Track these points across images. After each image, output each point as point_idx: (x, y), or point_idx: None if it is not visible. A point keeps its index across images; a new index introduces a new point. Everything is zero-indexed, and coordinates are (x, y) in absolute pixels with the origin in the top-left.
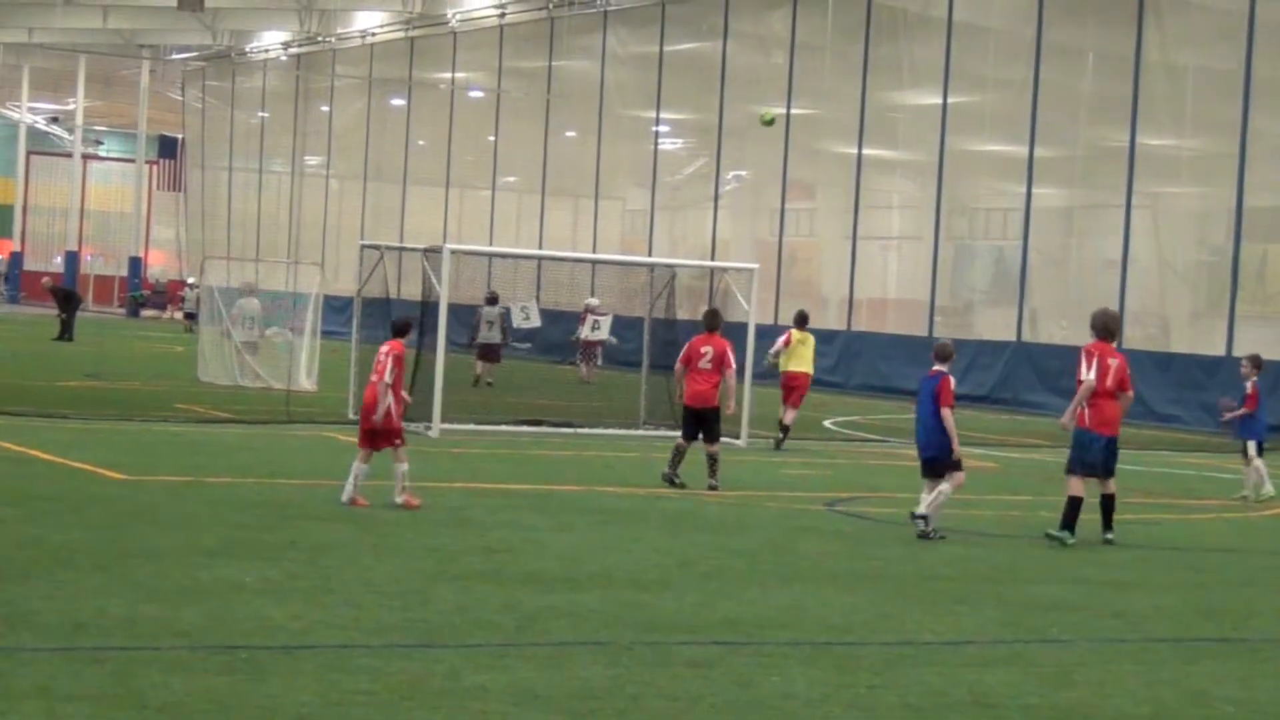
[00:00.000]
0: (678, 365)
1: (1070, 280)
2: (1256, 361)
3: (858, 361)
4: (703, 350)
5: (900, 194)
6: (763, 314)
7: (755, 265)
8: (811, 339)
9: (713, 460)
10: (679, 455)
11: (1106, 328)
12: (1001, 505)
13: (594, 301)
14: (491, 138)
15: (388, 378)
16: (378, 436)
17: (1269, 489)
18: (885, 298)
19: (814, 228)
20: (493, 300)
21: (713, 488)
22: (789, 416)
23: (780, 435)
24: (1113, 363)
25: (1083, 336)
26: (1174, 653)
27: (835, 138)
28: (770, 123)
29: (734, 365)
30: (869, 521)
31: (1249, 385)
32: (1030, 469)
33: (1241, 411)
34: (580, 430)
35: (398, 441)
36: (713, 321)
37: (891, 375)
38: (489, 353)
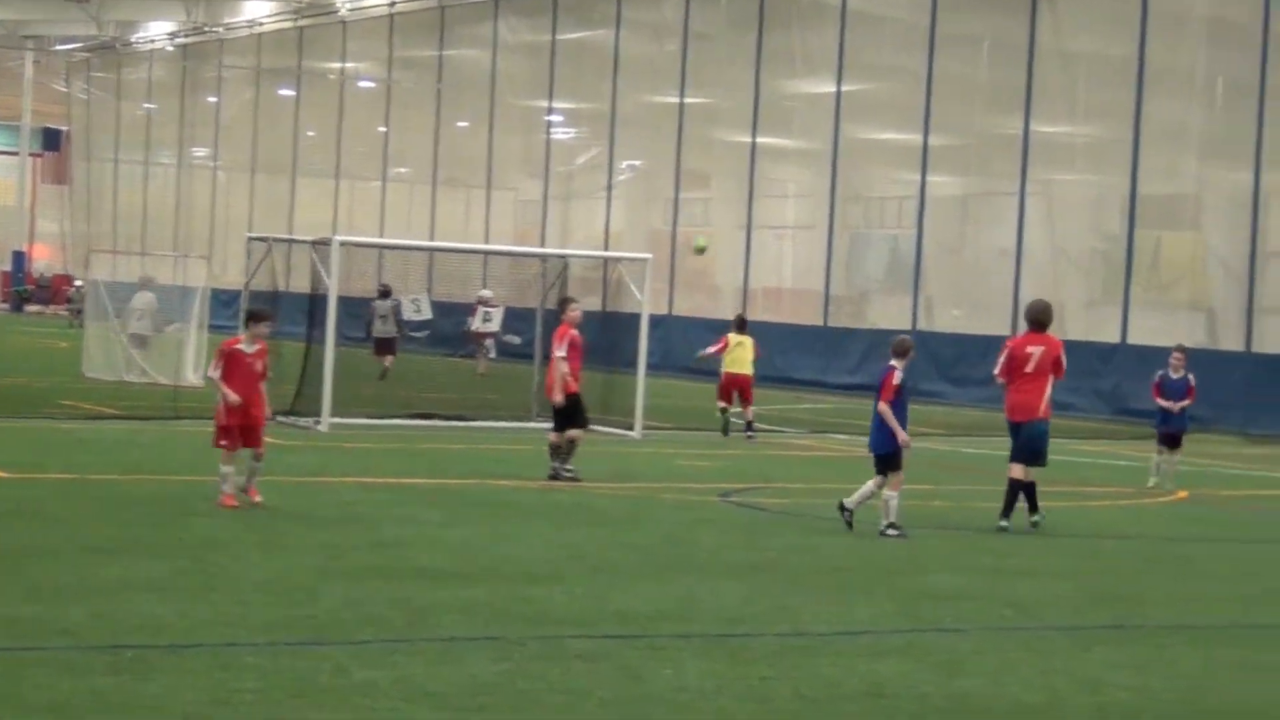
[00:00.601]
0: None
1: (965, 268)
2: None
3: None
4: (553, 341)
5: (795, 183)
6: (656, 304)
7: (649, 255)
8: (750, 340)
9: (567, 443)
10: (554, 450)
11: (1035, 319)
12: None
13: (486, 293)
14: (382, 128)
15: (210, 372)
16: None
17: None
18: (780, 287)
19: (708, 217)
20: (385, 293)
21: (554, 475)
22: (749, 412)
23: (729, 425)
24: (1034, 351)
25: (977, 324)
26: (1068, 640)
27: (729, 127)
28: (702, 250)
29: (559, 352)
30: (763, 512)
31: (1191, 377)
32: (926, 459)
33: (1186, 403)
34: (472, 424)
35: (224, 443)
36: (559, 310)
37: (786, 366)
38: (385, 346)
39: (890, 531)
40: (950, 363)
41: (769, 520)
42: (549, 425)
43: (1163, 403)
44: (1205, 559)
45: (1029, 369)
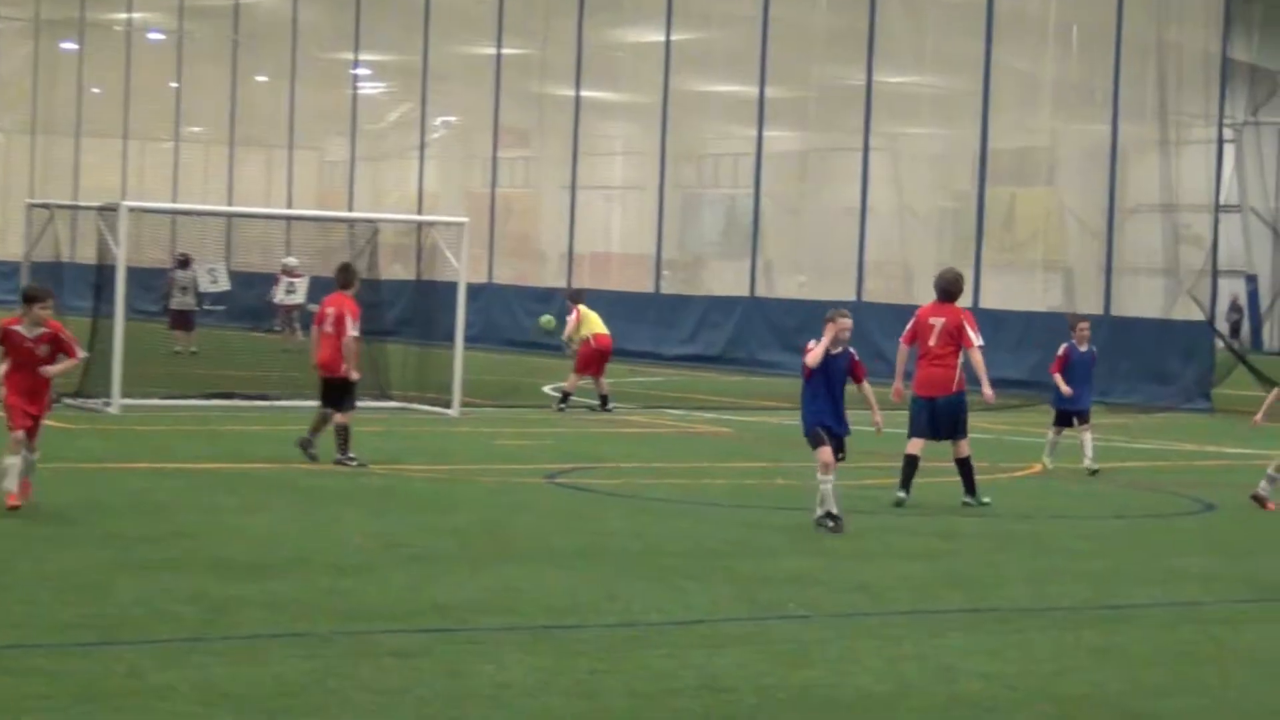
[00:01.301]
0: (313, 328)
1: (806, 230)
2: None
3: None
4: (326, 311)
5: (623, 140)
6: (475, 272)
7: (465, 219)
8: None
9: (339, 432)
10: (319, 421)
11: (941, 289)
12: (736, 474)
13: (291, 261)
14: (174, 84)
15: None
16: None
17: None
18: (609, 252)
19: (530, 177)
20: (184, 263)
21: (338, 462)
22: (603, 385)
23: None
24: (935, 322)
25: (821, 290)
26: (919, 625)
27: (551, 79)
28: (548, 328)
29: (352, 330)
30: (592, 494)
31: (1094, 348)
32: (766, 434)
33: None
34: (277, 403)
35: (14, 425)
36: (343, 278)
37: (616, 335)
38: (182, 320)
39: (829, 522)
40: (791, 331)
41: (598, 503)
42: (360, 404)
43: (1063, 386)
44: (1060, 536)
45: (932, 341)
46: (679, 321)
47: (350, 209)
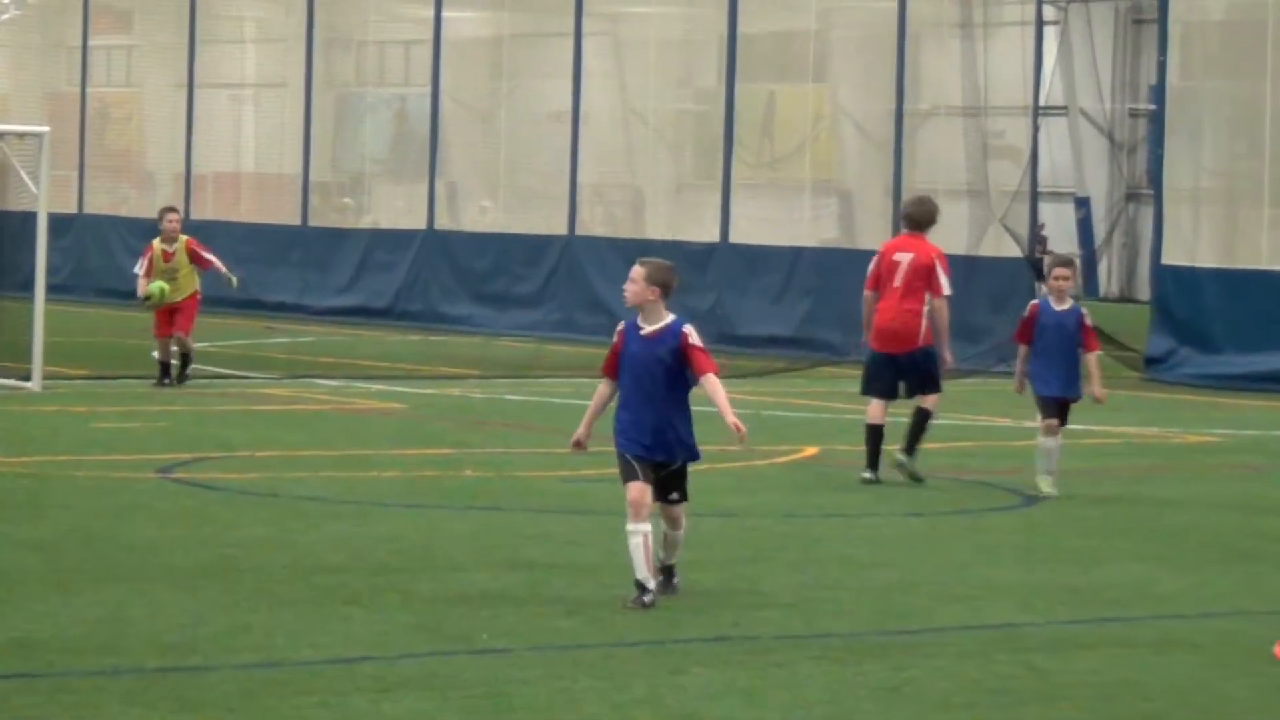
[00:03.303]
0: None
1: (502, 142)
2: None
3: None
4: None
5: (256, 22)
6: (61, 198)
7: (45, 129)
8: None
9: None
10: None
11: (909, 217)
12: (409, 463)
13: None
14: None
15: None
16: None
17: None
18: (239, 171)
19: (133, 74)
20: None
21: None
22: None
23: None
24: (901, 259)
25: (520, 221)
26: (652, 659)
27: None
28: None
29: None
30: (220, 492)
31: (1086, 312)
32: (449, 410)
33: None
34: None
35: None
36: None
37: (251, 283)
38: None
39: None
40: (481, 276)
41: (229, 503)
42: None
43: (1017, 374)
44: (837, 540)
45: (897, 282)
46: (333, 263)
47: None
